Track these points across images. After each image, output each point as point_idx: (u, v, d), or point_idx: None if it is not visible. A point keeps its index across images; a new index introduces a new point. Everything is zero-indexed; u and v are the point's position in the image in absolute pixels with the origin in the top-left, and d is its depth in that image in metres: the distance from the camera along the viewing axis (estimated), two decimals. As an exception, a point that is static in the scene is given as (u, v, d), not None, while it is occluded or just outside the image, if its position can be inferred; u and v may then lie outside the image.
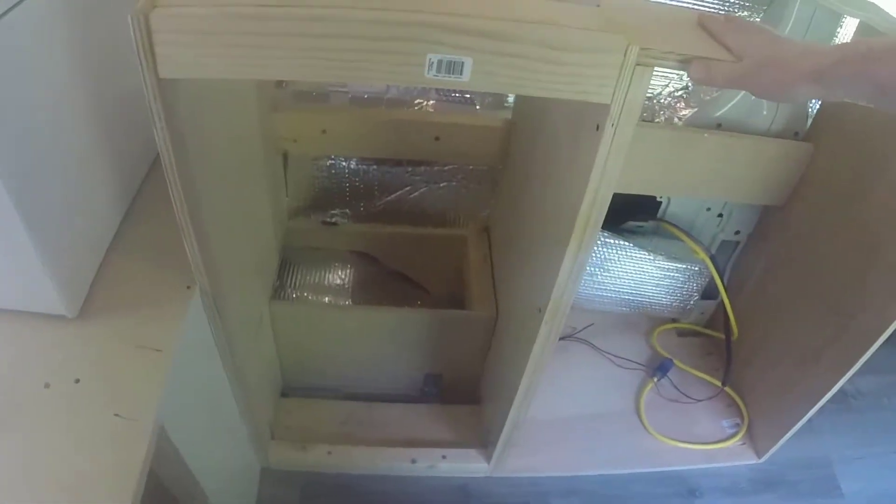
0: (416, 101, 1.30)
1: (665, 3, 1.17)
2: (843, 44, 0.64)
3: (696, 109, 1.27)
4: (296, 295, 1.40)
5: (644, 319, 1.64)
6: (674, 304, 1.55)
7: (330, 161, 1.37)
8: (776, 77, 0.64)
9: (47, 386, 0.73)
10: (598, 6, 0.68)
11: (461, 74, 0.62)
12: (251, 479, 1.30)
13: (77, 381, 0.74)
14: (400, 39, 0.59)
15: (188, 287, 0.85)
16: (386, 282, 1.49)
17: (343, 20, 0.58)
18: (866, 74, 0.59)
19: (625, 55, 0.62)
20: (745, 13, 1.22)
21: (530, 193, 1.10)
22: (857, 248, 1.19)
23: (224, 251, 0.87)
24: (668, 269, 1.47)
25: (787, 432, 1.40)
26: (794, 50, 0.64)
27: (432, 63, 0.61)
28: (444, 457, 1.33)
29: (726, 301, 1.45)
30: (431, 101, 1.30)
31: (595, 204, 0.79)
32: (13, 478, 0.65)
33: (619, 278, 1.47)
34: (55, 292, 0.76)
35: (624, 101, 0.66)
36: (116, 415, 0.71)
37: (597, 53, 0.62)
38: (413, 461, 1.32)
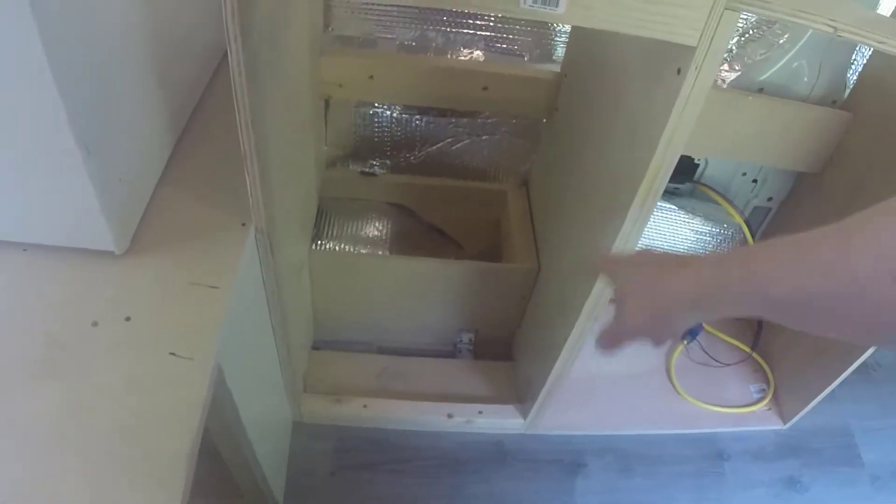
0: (464, 51, 1.20)
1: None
2: (721, 256, 0.54)
3: (739, 72, 1.19)
4: (333, 245, 1.31)
5: (679, 283, 1.56)
6: (702, 265, 1.47)
7: (373, 109, 1.28)
8: (653, 314, 0.56)
9: (95, 325, 0.64)
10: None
11: (557, 6, 0.58)
12: (285, 432, 1.22)
13: (127, 318, 0.65)
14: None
15: (243, 224, 0.76)
16: (421, 235, 1.40)
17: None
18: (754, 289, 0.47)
19: None
20: None
21: (583, 147, 1.03)
22: None
23: (280, 191, 0.78)
24: (702, 231, 1.40)
25: (812, 400, 1.36)
26: (671, 273, 0.55)
27: (529, -9, 0.54)
28: (480, 412, 1.26)
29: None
30: (478, 52, 1.21)
31: (667, 154, 0.73)
32: (64, 423, 0.56)
33: (654, 239, 1.40)
34: (105, 226, 0.67)
35: (710, 45, 0.62)
36: (171, 353, 0.62)
37: None
38: (449, 416, 1.25)
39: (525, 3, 0.57)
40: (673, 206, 1.35)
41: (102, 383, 0.59)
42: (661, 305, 0.55)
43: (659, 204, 1.31)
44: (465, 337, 1.35)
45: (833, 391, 1.48)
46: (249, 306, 0.83)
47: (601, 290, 0.91)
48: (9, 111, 0.55)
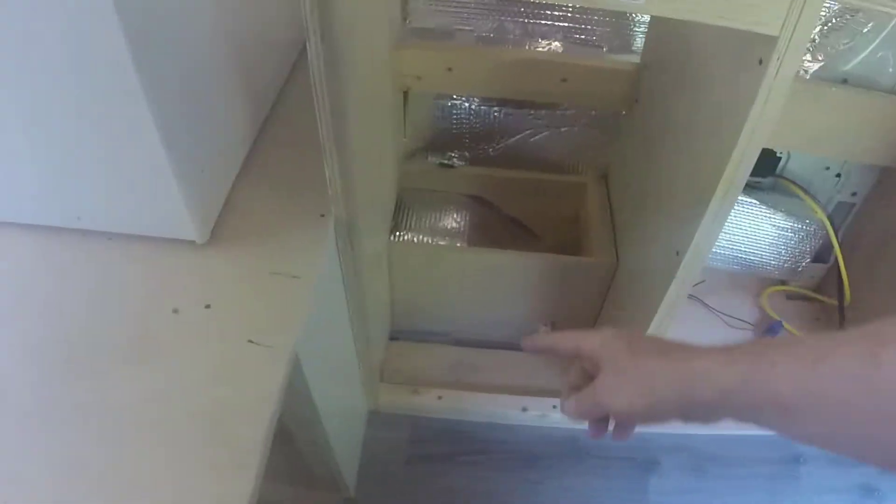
0: (543, 42, 1.19)
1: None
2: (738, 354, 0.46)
3: (823, 63, 1.14)
4: (411, 236, 1.32)
5: (753, 280, 1.51)
6: (785, 264, 1.42)
7: (452, 101, 1.27)
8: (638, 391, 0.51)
9: (176, 311, 0.66)
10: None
11: None
12: (359, 421, 1.23)
13: (207, 306, 0.67)
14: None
15: (322, 215, 0.77)
16: (499, 227, 1.39)
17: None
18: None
19: None
20: None
21: (663, 139, 1.00)
22: None
23: (359, 182, 0.79)
24: (783, 227, 1.34)
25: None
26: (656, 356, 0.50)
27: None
28: (554, 406, 1.24)
29: (842, 264, 1.32)
30: (557, 43, 1.19)
31: (749, 146, 0.70)
32: (148, 407, 0.58)
33: (733, 234, 1.35)
34: (187, 216, 0.68)
35: (792, 34, 0.60)
36: (250, 341, 0.63)
37: None
38: (524, 409, 1.24)
39: (608, -8, 0.55)
40: (754, 201, 1.30)
41: (184, 369, 0.61)
42: (660, 397, 0.50)
43: (740, 198, 1.27)
44: (542, 330, 1.33)
45: None
46: (328, 296, 0.84)
47: (679, 289, 0.89)
48: (95, 103, 0.57)
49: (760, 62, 0.63)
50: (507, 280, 1.24)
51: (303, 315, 0.66)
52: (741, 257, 1.40)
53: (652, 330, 0.97)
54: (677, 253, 0.86)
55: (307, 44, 0.58)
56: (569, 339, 0.59)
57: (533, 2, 1.15)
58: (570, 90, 1.16)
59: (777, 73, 0.63)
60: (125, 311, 0.66)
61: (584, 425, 0.61)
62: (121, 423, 0.56)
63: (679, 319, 1.37)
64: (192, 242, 0.72)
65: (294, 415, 0.81)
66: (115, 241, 0.72)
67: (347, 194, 0.74)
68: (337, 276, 0.86)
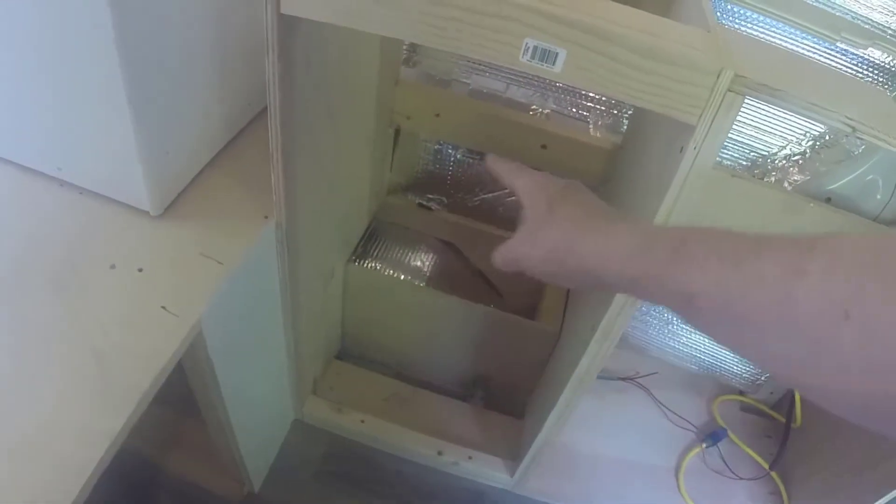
0: (532, 107, 1.31)
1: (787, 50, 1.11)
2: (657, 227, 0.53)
3: (808, 177, 1.21)
4: (374, 264, 1.43)
5: (710, 383, 1.58)
6: (744, 374, 1.50)
7: (438, 146, 1.40)
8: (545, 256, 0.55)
9: (113, 267, 0.79)
10: (708, 31, 0.67)
11: (554, 64, 0.63)
12: (281, 425, 1.34)
13: (140, 269, 0.79)
14: (504, 18, 0.61)
15: (265, 217, 0.89)
16: (464, 276, 1.50)
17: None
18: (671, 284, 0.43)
19: (717, 78, 0.61)
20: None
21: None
22: None
23: (308, 194, 0.91)
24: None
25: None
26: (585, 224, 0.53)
27: (528, 48, 0.62)
28: (470, 457, 1.34)
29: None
30: (547, 111, 1.31)
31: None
32: (56, 333, 0.70)
33: (693, 333, 1.44)
34: (144, 188, 0.82)
35: (710, 127, 0.65)
36: (163, 307, 0.75)
37: (687, 70, 0.61)
38: (439, 453, 1.33)
39: (524, 57, 0.63)
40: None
41: (98, 312, 0.73)
42: (568, 268, 0.53)
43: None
44: (480, 384, 1.43)
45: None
46: (257, 294, 0.96)
47: (590, 364, 0.99)
48: (74, 53, 0.70)
49: (681, 150, 0.69)
50: (455, 327, 1.35)
51: (212, 295, 0.78)
52: (700, 358, 1.49)
53: (560, 400, 1.06)
54: (592, 328, 0.95)
55: (265, 57, 0.70)
56: (508, 173, 0.67)
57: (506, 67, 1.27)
58: (548, 158, 1.27)
59: (693, 162, 0.68)
60: (70, 252, 0.80)
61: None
62: (29, 341, 0.69)
63: (621, 404, 1.48)
64: (147, 213, 0.85)
65: (201, 394, 0.93)
66: (86, 196, 0.87)
67: (289, 201, 0.86)
68: (273, 277, 0.98)
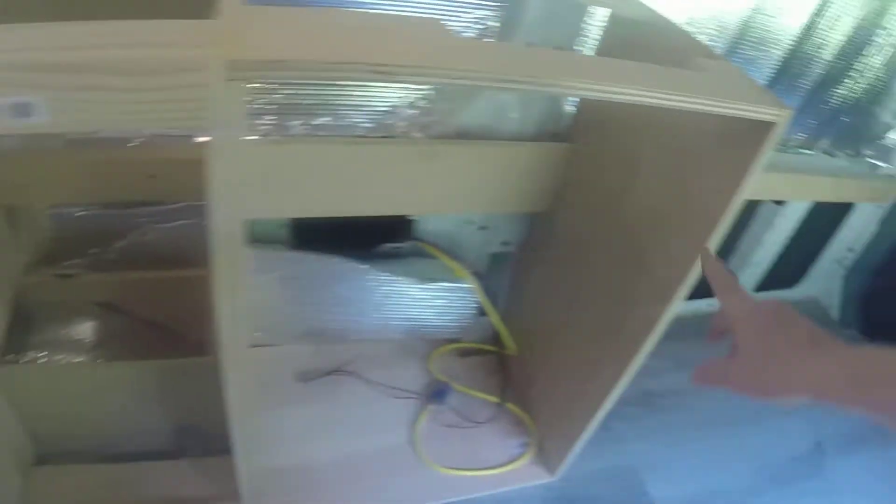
0: (130, 141, 1.26)
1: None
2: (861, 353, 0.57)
3: (436, 119, 1.24)
4: (36, 354, 1.35)
5: (421, 344, 1.62)
6: (450, 324, 1.55)
7: (53, 210, 1.33)
8: (763, 385, 0.61)
9: None
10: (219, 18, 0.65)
11: (31, 116, 0.58)
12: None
13: None
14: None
15: None
16: (138, 332, 1.44)
17: None
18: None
19: (206, 72, 0.59)
20: (482, 12, 1.20)
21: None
22: (623, 254, 1.20)
23: None
24: (437, 289, 1.46)
25: (573, 447, 1.40)
26: (799, 355, 0.60)
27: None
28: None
29: (492, 316, 1.45)
30: (143, 138, 1.26)
31: (225, 229, 0.79)
32: None
33: (382, 305, 1.46)
34: None
35: (222, 123, 0.64)
36: None
37: (171, 76, 0.59)
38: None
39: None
40: (385, 270, 1.41)
41: None
42: (774, 384, 0.60)
43: (378, 276, 1.38)
44: (192, 433, 1.39)
45: (613, 429, 1.56)
46: None
47: (235, 381, 0.97)
48: None
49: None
50: (140, 388, 1.29)
51: None
52: (400, 325, 1.52)
53: (235, 427, 1.04)
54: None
55: None
56: (721, 290, 0.70)
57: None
58: (161, 187, 1.23)
59: (220, 167, 0.69)
60: None
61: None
62: None
63: (334, 399, 1.47)
64: None
65: None
66: None
67: None
68: None
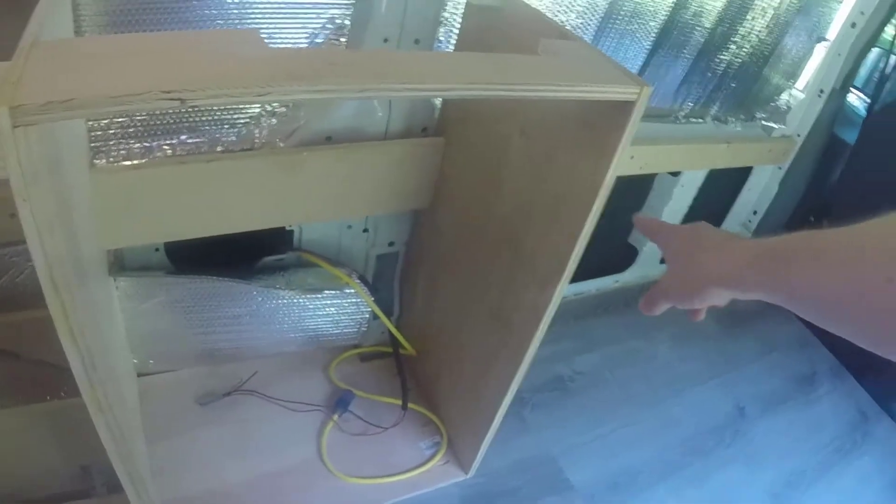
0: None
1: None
2: (761, 242, 0.66)
3: (299, 126, 1.21)
4: None
5: (319, 353, 1.60)
6: (346, 331, 1.53)
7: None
8: (687, 286, 0.73)
9: None
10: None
11: None
12: None
13: None
14: None
15: None
16: (34, 374, 1.40)
17: None
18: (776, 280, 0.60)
19: None
20: (334, 11, 1.17)
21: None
22: (503, 244, 1.20)
23: None
24: (325, 297, 1.44)
25: (483, 442, 1.40)
26: (709, 253, 0.71)
27: None
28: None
29: (382, 317, 1.46)
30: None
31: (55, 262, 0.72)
32: None
33: (273, 320, 1.44)
34: None
35: (25, 169, 0.61)
36: None
37: None
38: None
39: None
40: (280, 290, 1.39)
41: None
42: (694, 282, 0.71)
43: (264, 291, 1.36)
44: (95, 472, 1.35)
45: (526, 420, 1.56)
46: None
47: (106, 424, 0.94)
48: None
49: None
50: (34, 433, 1.28)
51: None
52: (294, 337, 1.49)
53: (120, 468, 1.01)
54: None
55: None
56: (649, 231, 0.87)
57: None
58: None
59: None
60: None
61: None
62: None
63: (234, 421, 1.45)
64: None
65: None
66: None
67: None
68: None
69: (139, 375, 1.47)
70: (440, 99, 1.29)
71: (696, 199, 1.98)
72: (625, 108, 0.88)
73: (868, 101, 2.05)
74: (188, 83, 0.62)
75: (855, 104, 2.16)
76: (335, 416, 1.47)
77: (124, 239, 1.17)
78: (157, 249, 1.29)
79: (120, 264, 1.29)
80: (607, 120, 0.92)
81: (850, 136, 2.07)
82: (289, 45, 1.11)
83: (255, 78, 0.65)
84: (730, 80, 1.80)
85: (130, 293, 1.29)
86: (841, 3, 1.83)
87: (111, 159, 1.12)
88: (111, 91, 0.60)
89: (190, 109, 1.14)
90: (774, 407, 1.98)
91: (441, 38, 1.21)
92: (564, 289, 1.09)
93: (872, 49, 1.92)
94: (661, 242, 0.83)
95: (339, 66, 0.71)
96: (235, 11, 1.06)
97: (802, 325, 2.28)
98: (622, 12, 1.47)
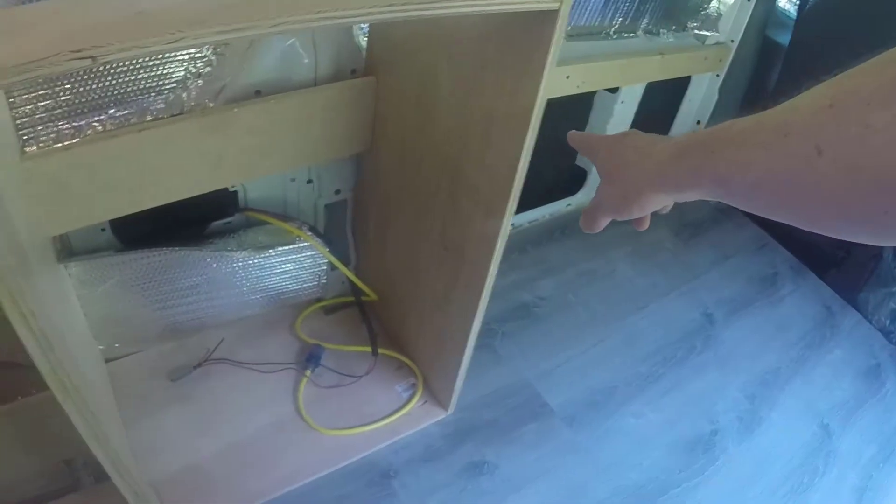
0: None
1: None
2: (686, 135, 0.64)
3: (226, 83, 1.19)
4: None
5: (283, 312, 1.61)
6: (306, 285, 1.54)
7: None
8: (621, 196, 0.72)
9: None
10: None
11: None
12: None
13: None
14: None
15: None
16: (1, 376, 1.40)
17: None
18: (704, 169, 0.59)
19: None
20: None
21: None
22: (445, 177, 1.21)
23: None
24: (279, 254, 1.44)
25: (457, 378, 1.42)
26: (636, 158, 0.70)
27: None
28: None
29: (340, 266, 1.46)
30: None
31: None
32: None
33: (231, 284, 1.44)
34: None
35: None
36: None
37: None
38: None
39: None
40: (233, 253, 1.39)
41: None
42: (626, 190, 0.70)
43: (217, 256, 1.36)
44: (76, 466, 1.36)
45: (497, 350, 1.58)
46: None
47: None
48: None
49: None
50: (9, 433, 1.28)
51: None
52: (255, 299, 1.50)
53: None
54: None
55: None
56: (581, 144, 0.85)
57: None
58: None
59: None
60: None
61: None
62: None
63: (208, 390, 1.45)
64: None
65: None
66: None
67: None
68: None
69: (107, 361, 1.47)
70: (365, 38, 1.28)
71: (637, 115, 1.99)
72: (548, 17, 0.87)
73: (797, 2, 2.08)
74: (96, 40, 0.62)
75: (785, 7, 2.18)
76: (308, 372, 1.49)
77: (66, 223, 1.16)
78: (103, 230, 1.28)
79: (68, 250, 1.29)
80: (532, 36, 0.91)
81: (784, 38, 2.09)
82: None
83: (164, 27, 0.66)
84: (656, -9, 1.81)
85: (84, 278, 1.29)
86: None
87: (41, 144, 1.11)
88: (17, 59, 0.60)
89: (115, 81, 1.13)
90: (740, 310, 2.02)
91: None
92: (511, 215, 1.10)
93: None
94: (591, 156, 0.81)
95: (248, 5, 0.71)
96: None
97: (758, 227, 2.32)
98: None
